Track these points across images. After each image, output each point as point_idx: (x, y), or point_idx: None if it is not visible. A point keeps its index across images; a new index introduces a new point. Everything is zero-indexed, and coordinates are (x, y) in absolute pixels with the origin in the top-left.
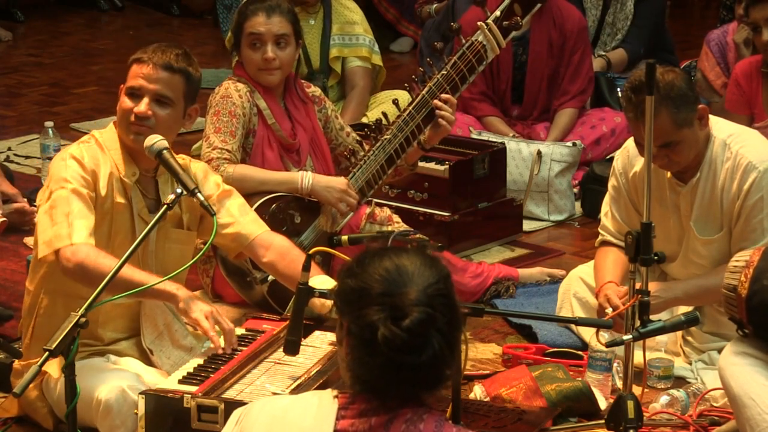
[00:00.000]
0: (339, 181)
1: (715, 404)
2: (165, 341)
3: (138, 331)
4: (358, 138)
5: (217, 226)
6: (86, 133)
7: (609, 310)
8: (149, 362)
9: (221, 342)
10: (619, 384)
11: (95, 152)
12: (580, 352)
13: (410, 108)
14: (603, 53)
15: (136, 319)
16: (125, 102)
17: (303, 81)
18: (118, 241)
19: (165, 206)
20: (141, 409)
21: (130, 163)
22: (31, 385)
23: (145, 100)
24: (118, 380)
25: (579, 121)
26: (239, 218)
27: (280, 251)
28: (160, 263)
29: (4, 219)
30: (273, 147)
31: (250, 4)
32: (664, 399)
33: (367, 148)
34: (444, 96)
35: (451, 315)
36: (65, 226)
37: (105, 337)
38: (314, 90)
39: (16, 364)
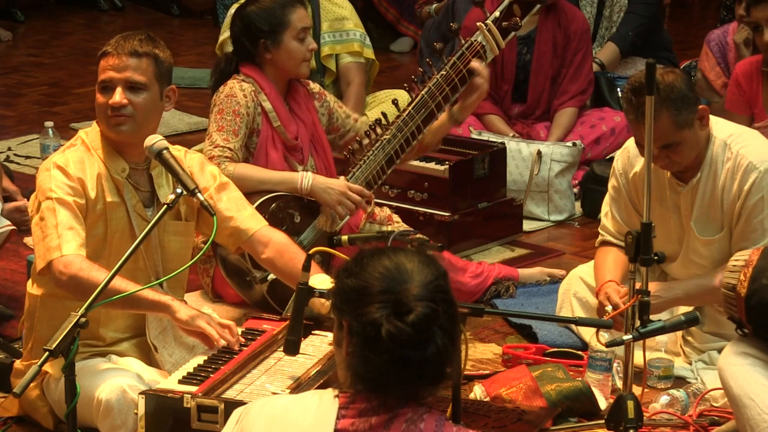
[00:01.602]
0: (338, 183)
1: (715, 404)
2: (168, 337)
3: (139, 331)
4: (367, 120)
5: (216, 226)
6: None
7: (609, 308)
8: (150, 362)
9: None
10: (619, 384)
11: (81, 155)
12: (580, 352)
13: (410, 108)
14: (594, 56)
15: (138, 319)
16: (99, 97)
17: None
18: (116, 239)
19: (165, 206)
20: (141, 409)
21: (117, 159)
22: (32, 385)
23: (118, 89)
24: (119, 380)
25: (579, 120)
26: (237, 213)
27: (278, 248)
28: (163, 258)
29: (14, 227)
30: (277, 147)
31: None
32: (664, 399)
33: (366, 148)
34: (478, 62)
35: (452, 311)
36: (55, 238)
37: (106, 337)
38: (313, 86)
39: (18, 363)
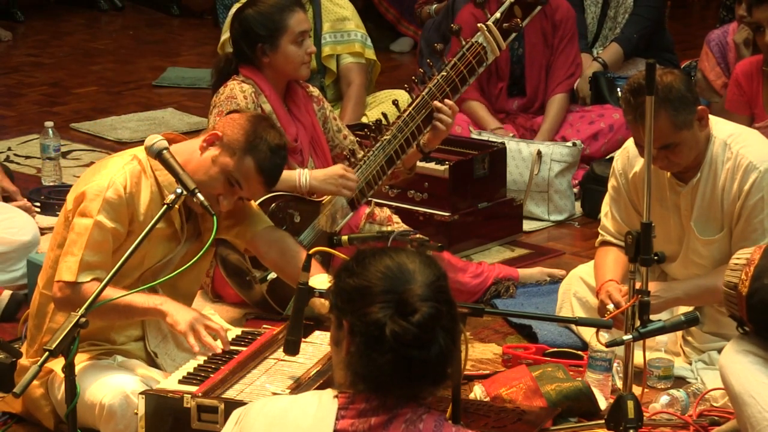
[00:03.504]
0: (335, 170)
1: (715, 404)
2: (169, 345)
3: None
4: (355, 140)
5: (216, 227)
6: (86, 134)
7: (611, 307)
8: (155, 364)
9: (219, 344)
10: (619, 384)
11: (138, 176)
12: (580, 352)
13: (410, 109)
14: (597, 56)
15: None
16: (219, 181)
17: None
18: (150, 262)
19: (165, 206)
20: (141, 410)
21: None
22: (36, 383)
23: (234, 198)
24: (122, 385)
25: (577, 116)
26: (242, 214)
27: (281, 248)
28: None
29: None
30: None
31: (265, 1)
32: (664, 399)
33: (366, 149)
34: (447, 101)
35: (453, 312)
36: (76, 261)
37: (117, 341)
38: (312, 90)
39: (23, 361)
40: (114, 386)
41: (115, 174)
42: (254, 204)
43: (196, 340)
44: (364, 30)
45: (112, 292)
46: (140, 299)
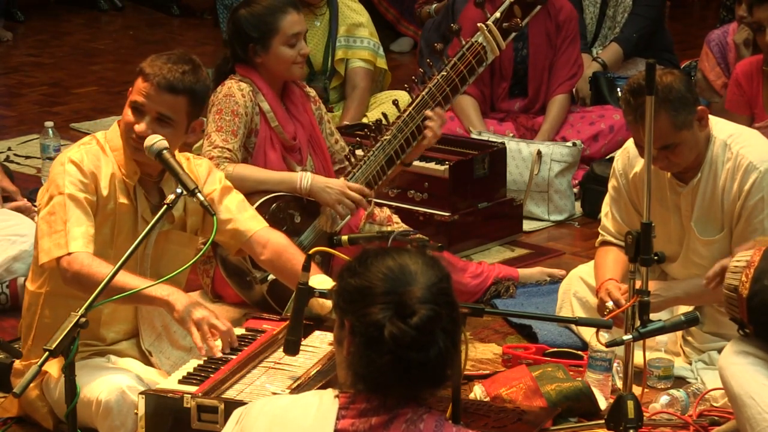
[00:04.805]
0: (338, 183)
1: (715, 404)
2: (164, 343)
3: (138, 332)
4: (347, 149)
5: (216, 227)
6: (86, 134)
7: (609, 304)
8: (149, 362)
9: (219, 344)
10: (619, 384)
11: (96, 153)
12: (580, 352)
13: (410, 109)
14: (596, 56)
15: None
16: (128, 115)
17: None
18: (120, 241)
19: (165, 206)
20: (141, 410)
21: (132, 163)
22: (31, 385)
23: (147, 119)
24: (118, 381)
25: (578, 116)
26: (237, 215)
27: (277, 249)
28: (155, 265)
29: None
30: (275, 147)
31: (260, 2)
32: (664, 399)
33: (366, 149)
34: (437, 110)
35: (454, 314)
36: (63, 235)
37: (107, 337)
38: (309, 90)
39: (17, 363)
40: (110, 383)
41: (72, 153)
42: (251, 206)
43: (202, 340)
44: (377, 39)
45: (123, 277)
46: (148, 289)
